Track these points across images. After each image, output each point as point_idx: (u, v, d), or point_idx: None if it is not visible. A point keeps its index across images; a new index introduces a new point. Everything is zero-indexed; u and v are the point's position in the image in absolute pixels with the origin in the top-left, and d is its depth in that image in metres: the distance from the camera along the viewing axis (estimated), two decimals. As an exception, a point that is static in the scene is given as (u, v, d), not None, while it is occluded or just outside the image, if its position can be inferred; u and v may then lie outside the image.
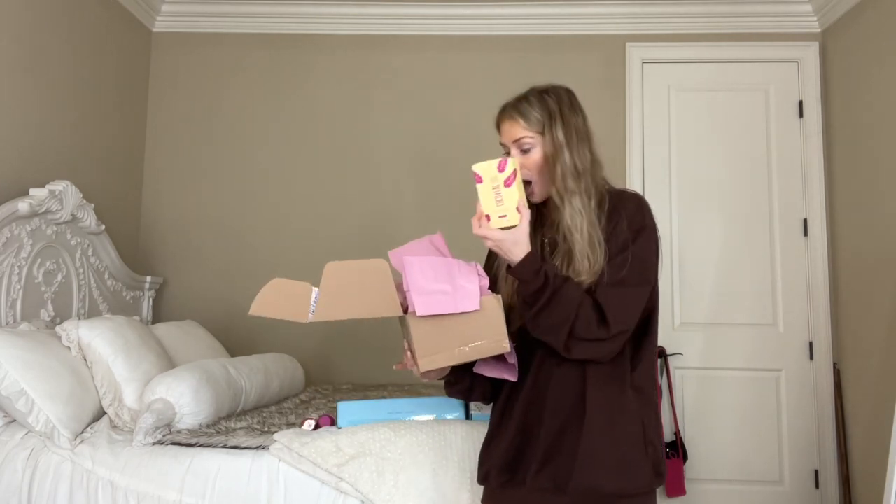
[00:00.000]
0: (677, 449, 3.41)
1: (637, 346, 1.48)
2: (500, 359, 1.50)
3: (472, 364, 1.52)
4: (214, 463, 2.05)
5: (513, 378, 1.50)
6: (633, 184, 3.63)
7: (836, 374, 3.43)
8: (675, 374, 3.54)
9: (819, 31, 3.66)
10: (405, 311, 1.40)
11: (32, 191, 2.64)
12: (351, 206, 3.73)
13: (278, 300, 1.43)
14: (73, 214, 2.81)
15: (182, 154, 3.80)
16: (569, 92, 1.54)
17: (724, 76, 3.70)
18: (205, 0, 3.78)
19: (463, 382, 1.59)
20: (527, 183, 1.46)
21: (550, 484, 1.42)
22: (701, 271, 3.60)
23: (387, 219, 3.68)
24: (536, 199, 1.49)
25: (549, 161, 1.46)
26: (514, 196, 1.35)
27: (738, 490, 3.46)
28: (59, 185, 2.72)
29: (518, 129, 1.47)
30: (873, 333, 3.11)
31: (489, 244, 1.39)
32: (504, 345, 1.38)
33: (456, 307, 1.36)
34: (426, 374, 1.48)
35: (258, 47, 3.84)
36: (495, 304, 1.38)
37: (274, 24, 3.82)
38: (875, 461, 3.07)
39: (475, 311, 1.36)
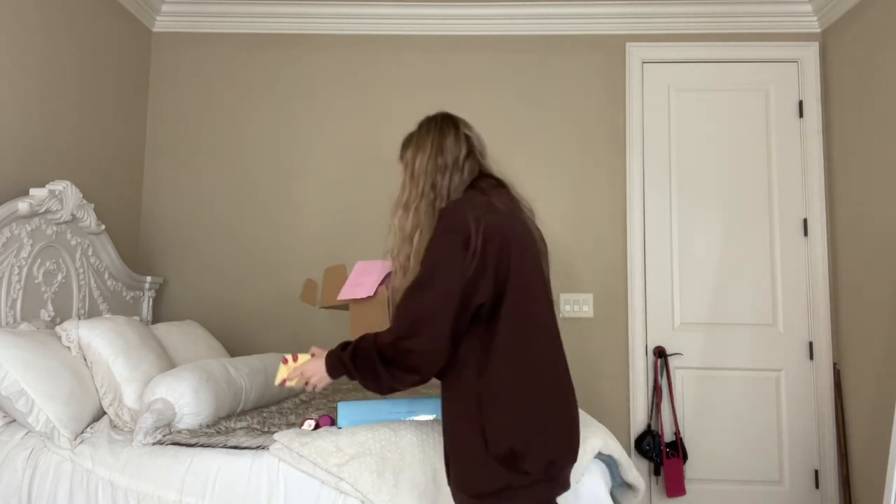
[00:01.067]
0: (677, 449, 3.41)
1: (485, 352, 1.54)
2: None
3: None
4: (214, 463, 2.05)
5: None
6: (633, 184, 3.63)
7: (836, 374, 3.43)
8: (675, 374, 3.54)
9: (819, 31, 3.66)
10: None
11: (32, 191, 2.64)
12: (351, 204, 3.73)
13: (313, 292, 2.27)
14: (73, 214, 2.81)
15: (182, 154, 3.80)
16: (431, 119, 1.84)
17: (724, 76, 3.70)
18: (205, 0, 3.78)
19: None
20: None
21: (451, 486, 1.65)
22: (701, 271, 3.61)
23: (388, 218, 3.67)
24: None
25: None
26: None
27: (738, 490, 3.47)
28: (59, 185, 2.72)
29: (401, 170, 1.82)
30: (873, 333, 3.11)
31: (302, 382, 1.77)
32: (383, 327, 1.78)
33: (353, 294, 1.92)
34: None
35: (258, 47, 3.84)
36: (384, 294, 1.85)
37: (274, 24, 3.82)
38: (875, 461, 3.07)
39: (370, 297, 1.89)
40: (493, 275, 1.53)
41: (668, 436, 3.49)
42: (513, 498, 1.53)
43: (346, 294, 1.92)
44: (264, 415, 2.53)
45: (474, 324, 1.55)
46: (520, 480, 1.52)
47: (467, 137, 1.76)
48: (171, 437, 2.16)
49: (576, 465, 1.94)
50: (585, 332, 3.60)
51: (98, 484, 2.06)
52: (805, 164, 3.60)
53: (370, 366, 1.57)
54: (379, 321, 1.82)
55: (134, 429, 2.18)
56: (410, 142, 1.80)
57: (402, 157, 1.81)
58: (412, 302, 1.54)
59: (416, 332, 1.51)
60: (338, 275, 2.07)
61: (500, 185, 1.74)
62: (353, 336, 1.81)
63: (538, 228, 1.78)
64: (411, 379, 1.55)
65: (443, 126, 1.77)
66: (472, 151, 1.74)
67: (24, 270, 2.58)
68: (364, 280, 1.87)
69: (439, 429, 2.06)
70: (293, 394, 3.05)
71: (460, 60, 3.78)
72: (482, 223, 1.53)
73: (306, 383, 1.75)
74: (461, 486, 1.57)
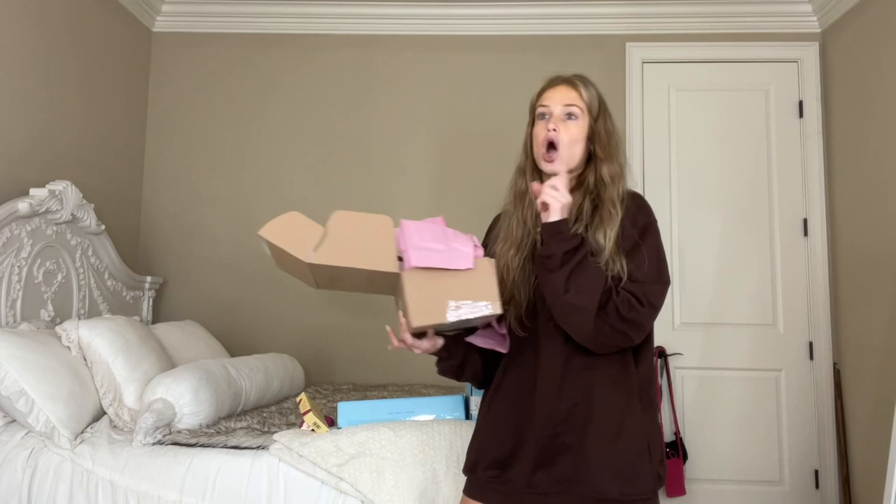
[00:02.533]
0: (677, 449, 3.41)
1: (637, 350, 1.49)
2: (490, 329, 1.49)
3: (464, 338, 1.53)
4: (214, 463, 2.05)
5: (503, 349, 1.50)
6: (633, 184, 3.63)
7: (836, 374, 3.43)
8: (675, 374, 3.54)
9: (819, 31, 3.66)
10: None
11: (32, 191, 2.64)
12: (351, 205, 3.72)
13: (288, 232, 1.38)
14: (73, 214, 2.81)
15: (182, 154, 3.80)
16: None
17: (724, 76, 3.70)
18: (204, 0, 3.78)
19: (455, 358, 1.56)
20: (554, 147, 1.51)
21: (551, 486, 1.40)
22: (701, 271, 3.60)
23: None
24: (556, 168, 1.51)
25: (602, 140, 1.57)
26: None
27: (738, 490, 3.46)
28: (59, 185, 2.72)
29: (574, 97, 1.58)
30: (873, 333, 3.11)
31: (550, 190, 1.41)
32: (496, 305, 1.37)
33: (449, 263, 1.37)
34: (416, 345, 1.47)
35: (258, 47, 3.84)
36: (489, 266, 1.38)
37: (274, 24, 3.82)
38: (875, 461, 3.07)
39: (469, 269, 1.37)
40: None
41: (668, 436, 3.49)
42: None
43: (422, 259, 1.36)
44: (264, 415, 2.54)
45: None
46: (658, 486, 1.45)
47: None
48: (171, 437, 2.16)
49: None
50: (585, 332, 3.59)
51: (98, 484, 2.07)
52: (805, 164, 3.60)
53: (591, 284, 1.36)
54: (485, 295, 1.37)
55: (134, 429, 2.18)
56: (602, 104, 1.62)
57: (591, 105, 1.58)
58: (660, 290, 1.43)
59: (647, 320, 1.41)
60: (373, 227, 1.39)
61: None
62: (415, 321, 1.38)
63: None
64: (610, 334, 1.38)
65: None
66: None
67: (24, 270, 2.58)
68: (440, 245, 1.38)
69: (439, 429, 2.06)
70: (293, 394, 3.05)
71: (460, 60, 3.78)
72: None
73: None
74: (598, 490, 1.38)
